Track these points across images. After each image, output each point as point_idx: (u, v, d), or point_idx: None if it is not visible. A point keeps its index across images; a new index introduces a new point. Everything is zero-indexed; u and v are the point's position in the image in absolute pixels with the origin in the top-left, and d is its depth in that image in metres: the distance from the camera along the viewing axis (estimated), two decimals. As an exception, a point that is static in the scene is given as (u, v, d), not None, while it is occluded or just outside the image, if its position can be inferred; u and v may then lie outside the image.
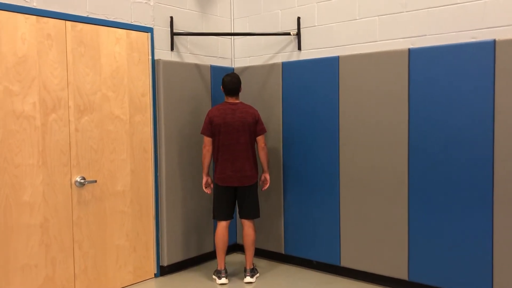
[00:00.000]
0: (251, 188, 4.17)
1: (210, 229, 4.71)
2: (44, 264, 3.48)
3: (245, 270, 4.24)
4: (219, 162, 4.11)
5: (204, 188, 4.27)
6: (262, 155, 4.22)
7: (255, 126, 4.14)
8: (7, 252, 3.28)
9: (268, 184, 4.34)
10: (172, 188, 4.35)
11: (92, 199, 3.76)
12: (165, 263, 4.33)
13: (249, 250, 4.21)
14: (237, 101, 4.17)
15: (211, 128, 4.09)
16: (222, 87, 4.17)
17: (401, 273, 3.84)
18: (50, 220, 3.50)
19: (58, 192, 3.54)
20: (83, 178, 3.68)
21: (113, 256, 3.94)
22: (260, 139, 4.18)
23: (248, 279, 4.18)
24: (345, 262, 4.20)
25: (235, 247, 5.03)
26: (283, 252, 4.66)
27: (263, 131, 4.19)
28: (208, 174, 4.24)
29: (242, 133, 4.07)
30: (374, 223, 3.97)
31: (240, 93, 4.22)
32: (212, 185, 4.27)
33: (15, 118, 3.29)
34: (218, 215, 4.18)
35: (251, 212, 4.20)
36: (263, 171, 4.32)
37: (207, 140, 4.13)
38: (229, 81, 4.12)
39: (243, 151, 4.08)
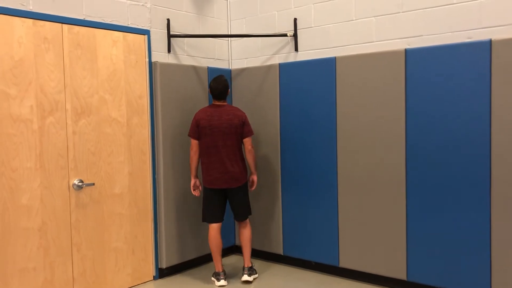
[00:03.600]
0: (240, 189, 4.17)
1: (208, 231, 4.70)
2: (43, 267, 3.47)
3: (243, 269, 4.25)
4: (206, 164, 4.10)
5: (192, 190, 4.26)
6: (249, 158, 4.22)
7: (242, 128, 4.13)
8: (5, 255, 3.27)
9: (255, 186, 4.36)
10: (170, 190, 4.35)
11: (90, 202, 3.76)
12: (163, 265, 4.33)
13: (246, 247, 4.23)
14: (224, 104, 4.16)
15: (198, 130, 4.09)
16: (209, 91, 4.17)
17: (400, 273, 3.85)
18: (48, 223, 3.49)
19: (56, 195, 3.54)
20: (81, 181, 3.68)
21: (111, 259, 3.93)
22: (247, 141, 4.17)
23: (245, 277, 4.17)
24: (343, 263, 4.20)
25: (233, 249, 5.03)
26: (281, 253, 4.66)
27: (250, 133, 4.18)
28: (196, 176, 4.23)
29: (228, 136, 4.06)
30: (373, 223, 3.98)
31: (228, 96, 4.25)
32: (200, 187, 4.27)
33: (12, 122, 3.28)
34: (208, 218, 4.17)
35: (244, 213, 4.22)
36: (250, 173, 4.32)
37: (194, 143, 4.13)
38: (214, 88, 4.11)
39: (230, 154, 4.07)
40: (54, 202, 3.53)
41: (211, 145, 4.05)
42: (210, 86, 4.14)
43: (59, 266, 3.57)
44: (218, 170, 4.05)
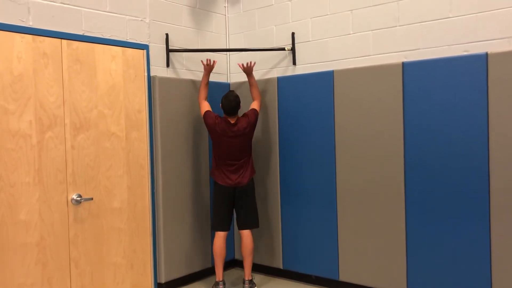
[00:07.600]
0: (248, 192, 4.20)
1: (207, 245, 4.68)
2: (41, 283, 3.45)
3: (243, 282, 4.25)
4: (218, 170, 4.19)
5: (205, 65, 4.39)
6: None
7: (254, 126, 4.27)
8: (3, 271, 3.25)
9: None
10: (169, 204, 4.33)
11: (88, 216, 3.74)
12: (162, 280, 4.30)
13: (248, 259, 4.22)
14: (237, 119, 4.20)
15: (210, 125, 4.19)
16: (221, 107, 4.22)
17: (400, 286, 3.82)
18: (46, 239, 3.48)
19: (55, 210, 3.53)
20: (80, 196, 3.67)
21: (110, 274, 3.91)
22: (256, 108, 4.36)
23: None
24: (343, 277, 4.17)
25: (233, 263, 5.00)
26: (281, 267, 4.63)
27: (255, 113, 4.28)
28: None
29: (243, 153, 4.17)
30: (372, 236, 3.96)
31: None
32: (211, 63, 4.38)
33: (11, 137, 3.29)
34: (216, 226, 4.21)
35: (249, 222, 4.23)
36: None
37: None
38: (226, 104, 4.17)
39: (242, 165, 4.18)
40: (52, 217, 3.51)
41: (225, 158, 4.16)
42: (222, 102, 4.21)
43: (58, 282, 3.55)
44: (230, 177, 4.14)
